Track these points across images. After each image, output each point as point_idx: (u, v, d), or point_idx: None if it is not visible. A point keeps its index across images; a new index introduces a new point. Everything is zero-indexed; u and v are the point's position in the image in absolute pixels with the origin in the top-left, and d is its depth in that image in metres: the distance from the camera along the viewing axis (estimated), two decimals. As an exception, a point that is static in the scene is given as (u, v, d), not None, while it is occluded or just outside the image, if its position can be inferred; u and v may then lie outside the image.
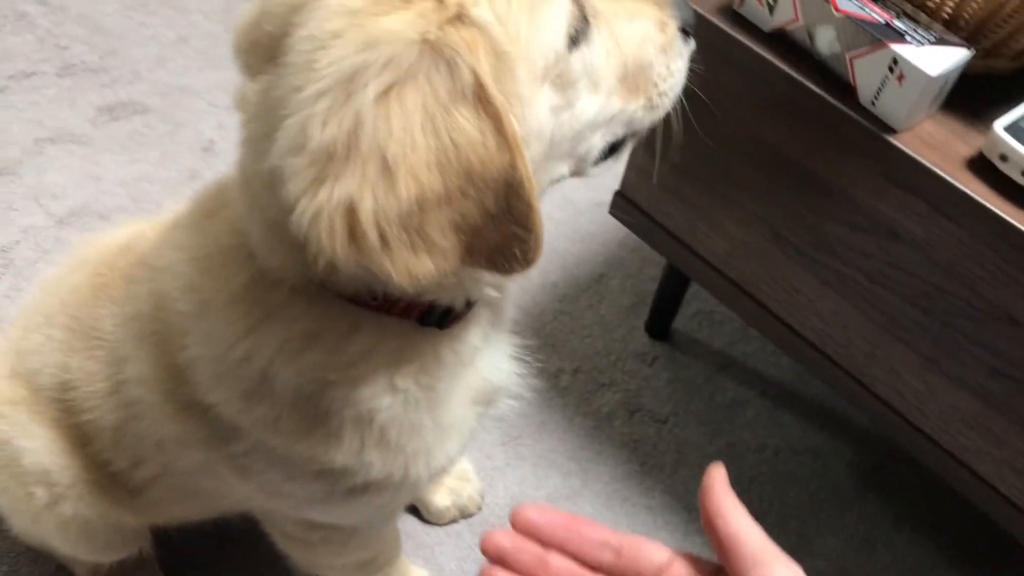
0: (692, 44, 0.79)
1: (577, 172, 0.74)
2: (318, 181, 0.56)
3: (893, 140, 0.95)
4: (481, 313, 0.79)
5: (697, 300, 1.57)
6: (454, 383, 0.79)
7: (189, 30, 1.85)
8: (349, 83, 0.56)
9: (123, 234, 0.97)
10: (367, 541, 1.02)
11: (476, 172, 0.57)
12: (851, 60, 0.95)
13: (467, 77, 0.56)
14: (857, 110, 0.97)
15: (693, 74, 0.79)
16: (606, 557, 0.59)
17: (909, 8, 0.94)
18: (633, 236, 1.34)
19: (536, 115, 0.64)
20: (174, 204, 0.85)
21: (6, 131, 1.66)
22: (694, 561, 0.58)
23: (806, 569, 0.54)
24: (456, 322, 0.75)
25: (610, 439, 1.43)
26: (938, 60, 0.89)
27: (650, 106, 0.75)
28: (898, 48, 0.90)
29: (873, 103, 0.95)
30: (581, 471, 1.39)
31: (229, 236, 0.73)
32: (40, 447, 0.95)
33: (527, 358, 0.88)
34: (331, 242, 0.57)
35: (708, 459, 1.27)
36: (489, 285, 0.73)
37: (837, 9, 0.93)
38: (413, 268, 0.58)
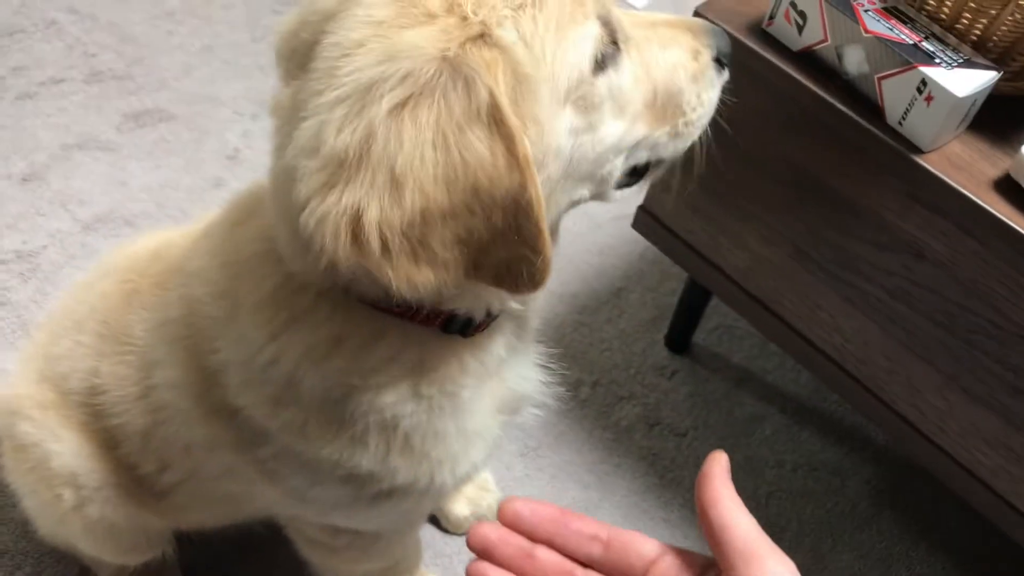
0: (726, 75, 0.78)
1: (598, 195, 0.74)
2: (328, 186, 0.57)
3: (920, 160, 0.95)
4: (505, 324, 0.79)
5: (717, 314, 1.57)
6: (479, 391, 0.80)
7: (215, 40, 1.86)
8: (366, 93, 0.57)
9: (151, 242, 0.99)
10: (390, 548, 1.03)
11: (484, 190, 0.58)
12: (879, 80, 0.95)
13: (483, 96, 0.57)
14: (884, 130, 0.97)
15: (723, 105, 0.79)
16: (595, 551, 0.58)
17: (938, 30, 0.95)
18: (653, 249, 1.34)
19: (555, 135, 0.64)
20: (199, 211, 0.86)
21: (34, 136, 1.68)
22: (684, 555, 0.56)
23: None
24: (479, 331, 0.76)
25: (629, 452, 1.43)
26: (966, 82, 0.90)
27: (675, 134, 0.75)
28: (927, 70, 0.90)
29: (900, 123, 0.96)
30: (600, 483, 1.40)
31: (259, 242, 0.74)
32: (68, 450, 0.96)
33: (551, 365, 0.89)
34: (334, 245, 0.58)
35: (727, 474, 1.26)
36: (511, 298, 0.74)
37: (866, 30, 0.94)
38: (413, 277, 0.59)
